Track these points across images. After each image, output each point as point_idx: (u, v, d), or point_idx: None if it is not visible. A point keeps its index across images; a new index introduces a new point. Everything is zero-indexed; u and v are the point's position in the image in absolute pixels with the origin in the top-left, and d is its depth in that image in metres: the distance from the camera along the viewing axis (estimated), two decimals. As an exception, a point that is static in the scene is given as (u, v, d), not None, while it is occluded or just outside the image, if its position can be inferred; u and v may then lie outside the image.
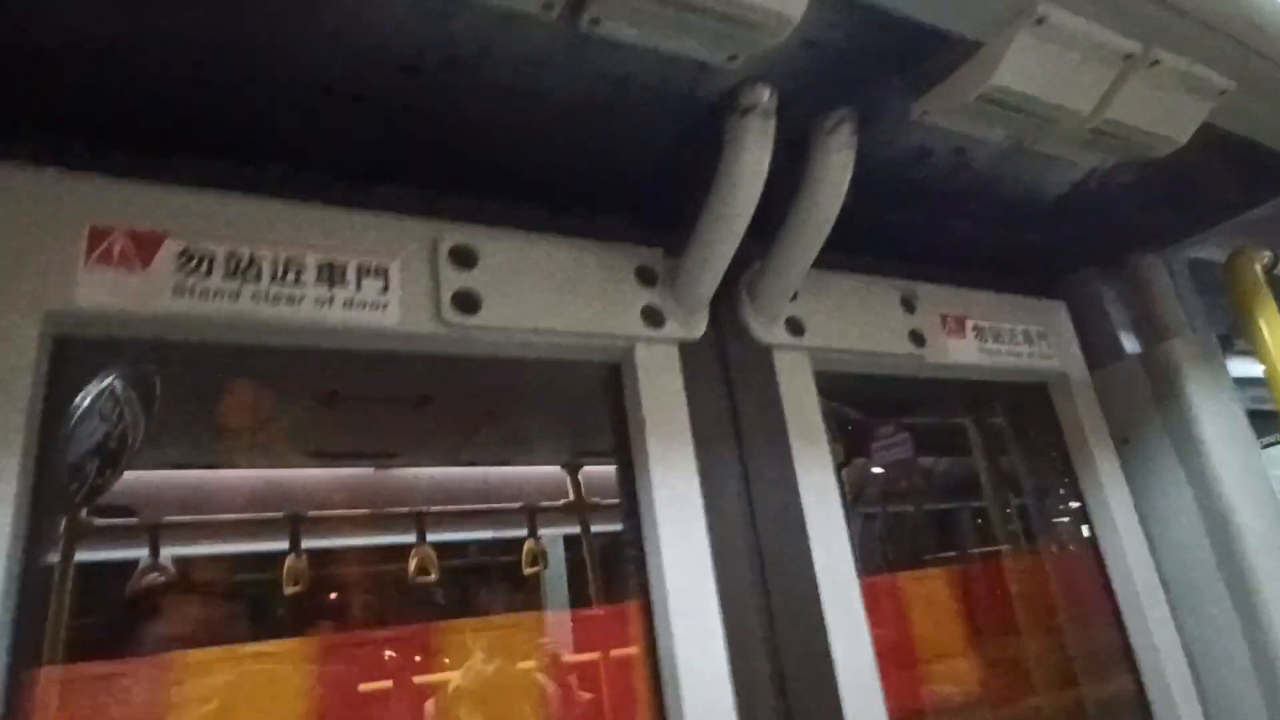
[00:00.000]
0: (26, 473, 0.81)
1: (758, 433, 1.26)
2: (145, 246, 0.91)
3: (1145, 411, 1.63)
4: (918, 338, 1.47)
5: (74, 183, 0.90)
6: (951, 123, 1.14)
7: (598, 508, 4.34)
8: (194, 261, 0.93)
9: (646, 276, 1.23)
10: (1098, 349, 1.72)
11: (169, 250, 0.92)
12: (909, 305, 1.49)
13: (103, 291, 0.88)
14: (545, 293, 1.14)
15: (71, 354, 0.89)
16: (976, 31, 1.01)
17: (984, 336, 1.58)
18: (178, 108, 0.94)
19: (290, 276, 0.98)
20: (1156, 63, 1.08)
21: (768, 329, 1.31)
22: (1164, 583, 1.57)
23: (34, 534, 0.82)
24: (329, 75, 0.93)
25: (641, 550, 1.15)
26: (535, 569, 4.46)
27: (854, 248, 1.34)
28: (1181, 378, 1.58)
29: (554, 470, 4.26)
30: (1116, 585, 1.58)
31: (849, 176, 1.15)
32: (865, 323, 1.42)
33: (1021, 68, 1.02)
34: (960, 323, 1.55)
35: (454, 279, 1.07)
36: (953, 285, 1.57)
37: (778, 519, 1.22)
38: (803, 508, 1.24)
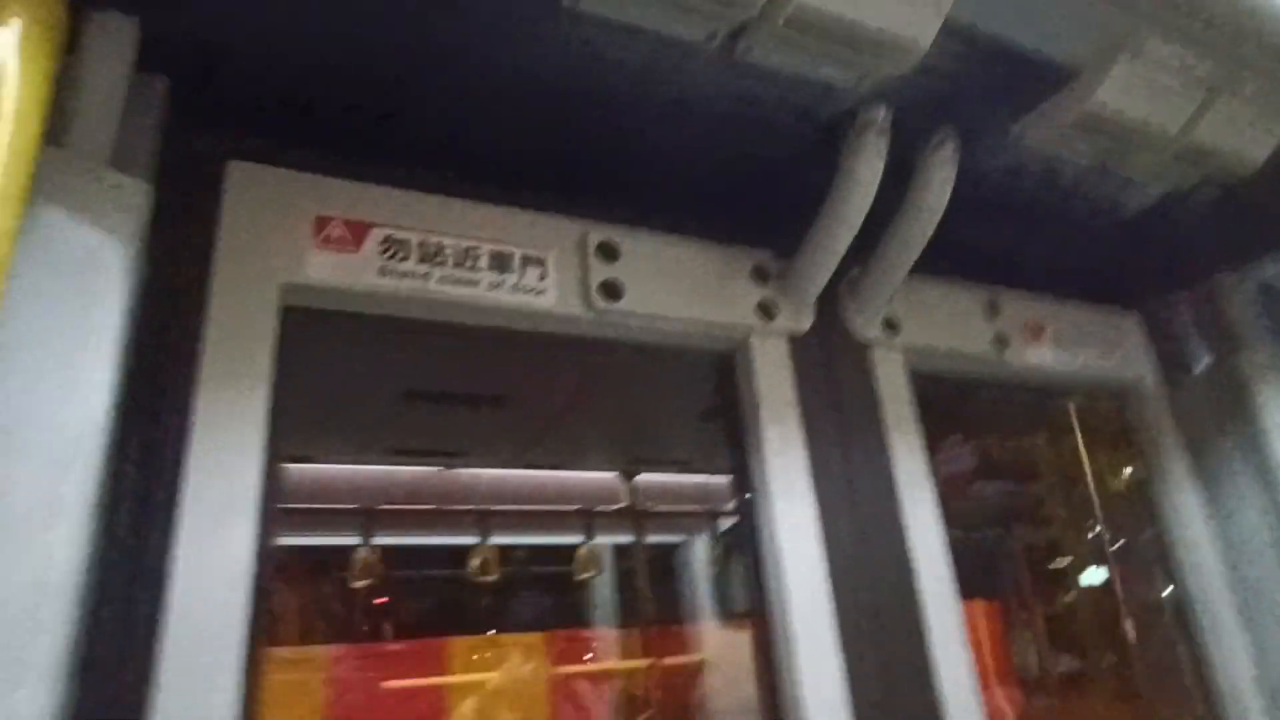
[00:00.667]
0: (267, 430, 0.96)
1: (858, 422, 1.38)
2: (357, 233, 1.08)
3: (1217, 423, 1.70)
4: (1001, 341, 1.58)
5: (302, 180, 1.08)
6: (1046, 143, 1.27)
7: (652, 514, 4.44)
8: (394, 247, 1.09)
9: (760, 275, 1.37)
10: (1171, 361, 1.80)
11: (375, 237, 1.09)
12: (993, 310, 1.60)
13: (325, 269, 1.05)
14: (675, 285, 1.28)
15: (294, 323, 1.06)
16: (1078, 58, 1.14)
17: (1062, 343, 1.68)
18: (384, 117, 1.11)
19: (469, 263, 1.14)
20: (1239, 87, 1.19)
21: (866, 326, 1.43)
22: (1234, 587, 1.63)
23: (271, 485, 0.96)
24: (510, 93, 1.09)
25: (754, 525, 1.27)
26: (589, 574, 4.57)
27: (944, 255, 1.46)
28: (1253, 391, 1.65)
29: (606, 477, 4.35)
30: (1189, 590, 1.64)
31: (949, 190, 1.28)
32: (953, 325, 1.54)
33: (1118, 92, 1.14)
34: (1039, 329, 1.66)
35: (600, 270, 1.22)
36: (1034, 294, 1.68)
37: (876, 501, 1.34)
38: (898, 490, 1.35)
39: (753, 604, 1.27)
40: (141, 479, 0.89)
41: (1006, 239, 1.56)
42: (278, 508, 0.97)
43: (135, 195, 0.82)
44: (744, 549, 1.30)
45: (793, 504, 1.25)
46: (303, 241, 1.04)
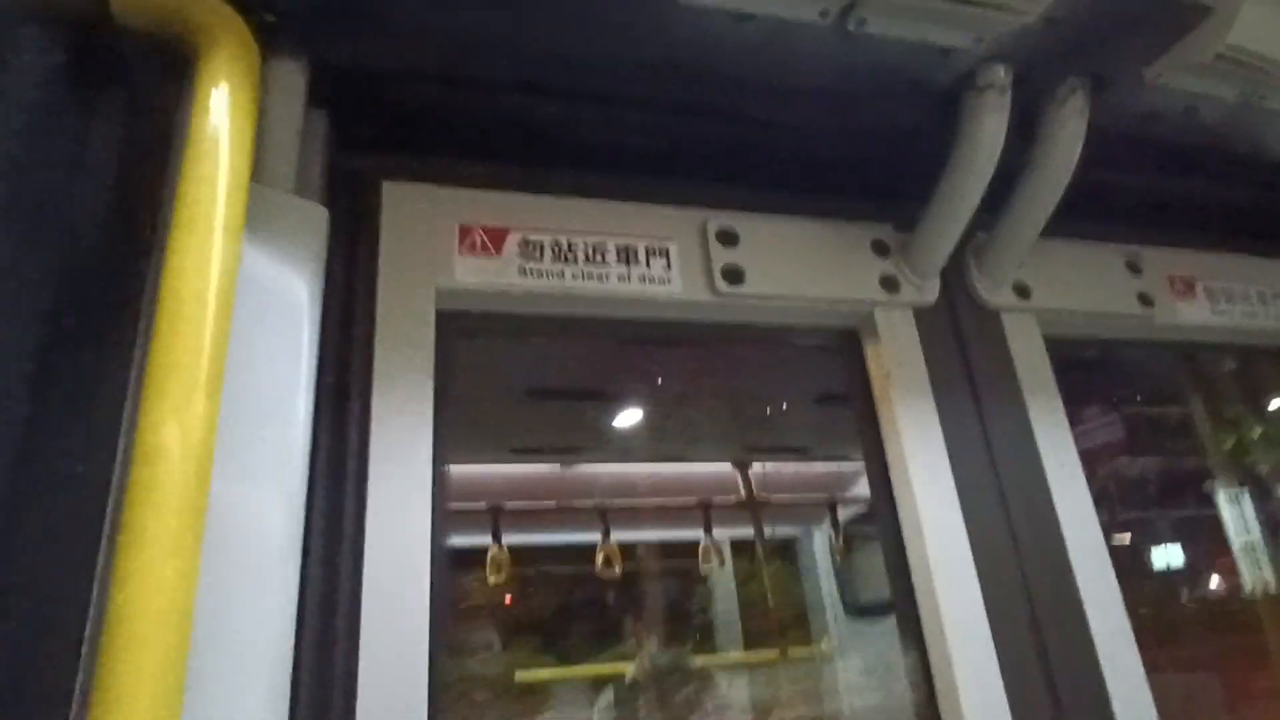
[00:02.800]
0: (434, 433, 1.05)
1: (993, 392, 1.34)
2: (496, 238, 1.16)
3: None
4: (1146, 299, 1.49)
5: (446, 193, 1.17)
6: (1185, 84, 1.20)
7: (769, 504, 4.42)
8: (530, 248, 1.17)
9: (881, 248, 1.36)
10: (1343, 308, 1.65)
11: (513, 240, 1.17)
12: (1134, 268, 1.52)
13: (471, 273, 1.13)
14: (795, 265, 1.30)
15: (445, 327, 1.15)
16: (1213, -7, 1.07)
17: (1215, 298, 1.57)
18: (513, 125, 1.19)
19: (598, 258, 1.20)
20: None
21: (995, 293, 1.40)
22: None
23: (439, 486, 1.04)
24: (628, 89, 1.15)
25: (890, 501, 1.27)
26: (711, 567, 4.60)
27: (1077, 211, 1.40)
28: None
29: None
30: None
31: (1080, 145, 1.23)
32: (1090, 285, 1.47)
33: (1255, 26, 1.06)
34: (1190, 284, 1.56)
35: (722, 255, 1.26)
36: (1180, 247, 1.58)
37: (1018, 472, 1.30)
38: (1041, 459, 1.31)
39: (894, 594, 1.26)
40: (332, 490, 0.97)
41: (1144, 191, 1.48)
42: (445, 508, 1.05)
43: (318, 219, 0.93)
44: (868, 538, 1.29)
45: (931, 484, 1.23)
46: (450, 249, 1.14)
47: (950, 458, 1.26)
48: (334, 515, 0.97)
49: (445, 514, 1.03)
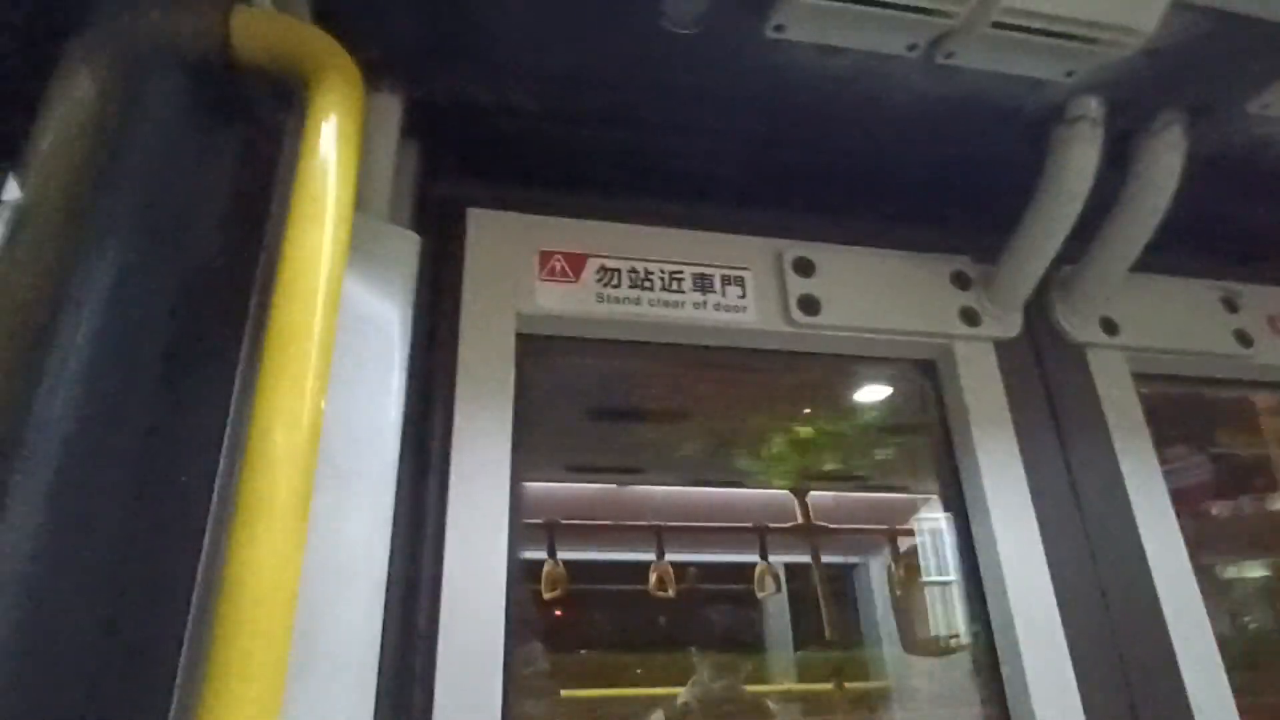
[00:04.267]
0: (512, 451, 1.07)
1: (1078, 429, 1.29)
2: (575, 264, 1.19)
3: None
4: (1244, 338, 1.42)
5: (527, 220, 1.20)
6: (1294, 115, 1.15)
7: (827, 531, 4.34)
8: (609, 275, 1.19)
9: (961, 281, 1.33)
10: None
11: (591, 267, 1.19)
12: (1231, 305, 1.45)
13: (551, 298, 1.16)
14: (873, 296, 1.28)
15: (524, 350, 1.17)
16: (1328, 22, 1.02)
17: (1322, 338, 1.48)
18: (597, 154, 1.21)
19: (674, 285, 1.21)
20: None
21: (1081, 328, 1.35)
22: None
23: (516, 502, 1.07)
24: (713, 119, 1.16)
25: (969, 537, 1.23)
26: (766, 593, 4.53)
27: (1170, 245, 1.35)
28: None
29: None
30: None
31: (1175, 180, 1.19)
32: (1183, 322, 1.41)
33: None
34: (1293, 323, 1.48)
35: (798, 285, 1.25)
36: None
37: (1105, 514, 1.25)
38: (1130, 501, 1.26)
39: (973, 632, 1.22)
40: (414, 503, 1.00)
41: (1244, 225, 1.42)
42: (522, 523, 1.07)
43: (411, 245, 0.96)
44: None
45: (1012, 524, 1.19)
46: (531, 275, 1.16)
47: (1032, 496, 1.22)
48: (417, 526, 1.00)
49: (520, 528, 1.05)
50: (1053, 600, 1.15)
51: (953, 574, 1.29)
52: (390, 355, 0.90)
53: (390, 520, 0.88)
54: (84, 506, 0.62)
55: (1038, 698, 1.08)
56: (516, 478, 1.06)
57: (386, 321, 0.90)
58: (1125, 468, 1.28)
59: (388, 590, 0.89)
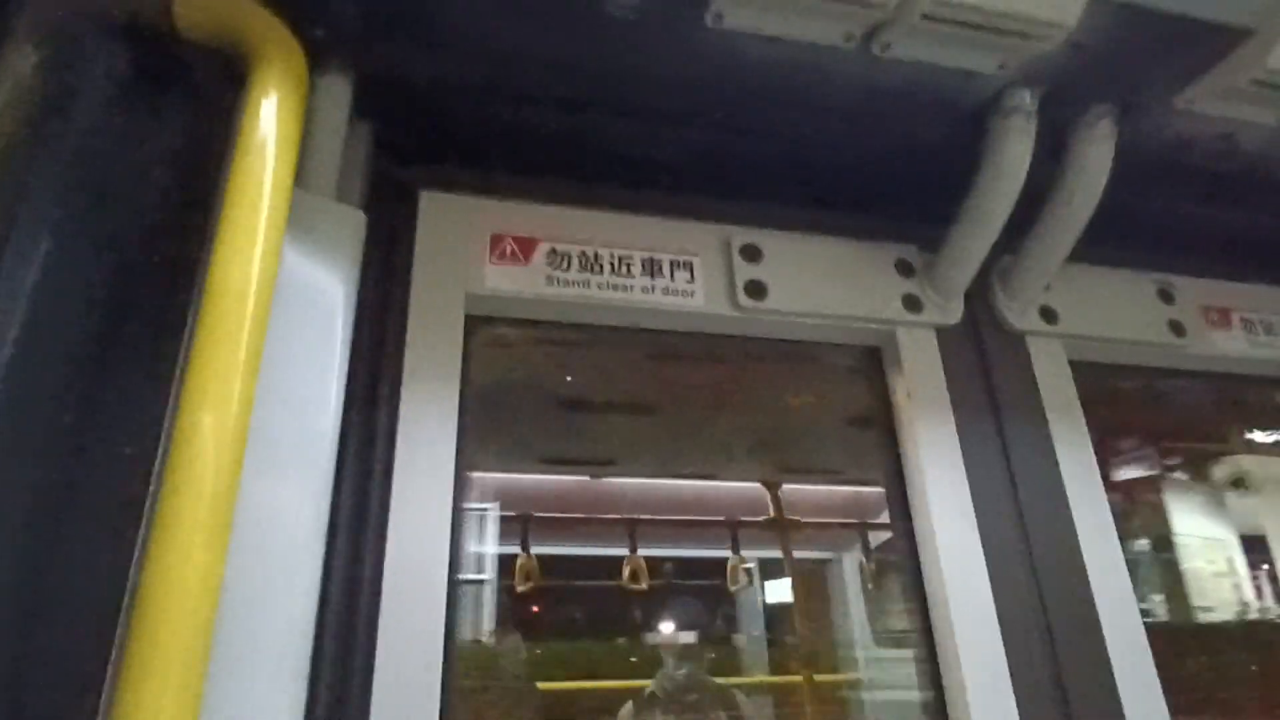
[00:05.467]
0: (457, 436, 1.09)
1: (1016, 416, 1.33)
2: (526, 248, 1.21)
3: None
4: (1178, 328, 1.47)
5: (479, 203, 1.22)
6: (1220, 109, 1.19)
7: (800, 525, 4.38)
8: (559, 259, 1.21)
9: (905, 268, 1.37)
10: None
11: (542, 251, 1.21)
12: (1166, 296, 1.50)
13: (501, 280, 1.18)
14: (819, 282, 1.32)
15: (472, 332, 1.19)
16: (1246, 19, 1.07)
17: (1254, 329, 1.54)
18: (545, 139, 1.23)
19: (624, 269, 1.23)
20: None
21: (1020, 316, 1.39)
22: None
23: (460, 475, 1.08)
24: (657, 106, 1.18)
25: (907, 523, 1.27)
26: (739, 586, 4.57)
27: (1107, 238, 1.39)
28: None
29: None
30: None
31: (1107, 171, 1.23)
32: (1120, 311, 1.46)
33: (1299, 49, 1.06)
34: (1225, 314, 1.53)
35: (745, 270, 1.28)
36: (1214, 277, 1.55)
37: (1041, 501, 1.28)
38: (1065, 487, 1.30)
39: (912, 618, 1.25)
40: (359, 483, 1.01)
41: (1179, 218, 1.47)
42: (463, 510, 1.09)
43: (356, 224, 0.98)
44: (898, 564, 1.29)
45: (948, 506, 1.22)
46: (481, 257, 1.18)
47: (969, 480, 1.25)
48: (359, 510, 1.01)
49: (463, 511, 1.07)
50: (986, 580, 1.18)
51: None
52: (331, 333, 0.92)
53: (327, 501, 0.89)
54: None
55: (970, 676, 1.11)
56: (462, 455, 1.08)
57: (328, 297, 0.92)
58: (1061, 453, 1.32)
59: (325, 576, 0.90)
